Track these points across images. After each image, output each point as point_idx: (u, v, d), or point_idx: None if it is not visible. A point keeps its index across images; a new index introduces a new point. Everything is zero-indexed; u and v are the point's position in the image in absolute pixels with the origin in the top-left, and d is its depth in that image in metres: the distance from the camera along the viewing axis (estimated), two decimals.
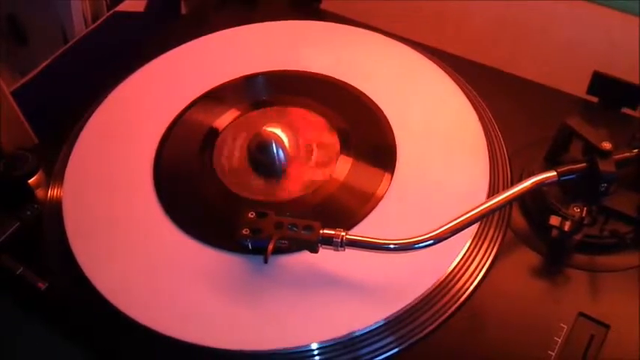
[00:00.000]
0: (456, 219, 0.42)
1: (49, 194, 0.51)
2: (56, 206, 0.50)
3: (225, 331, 0.43)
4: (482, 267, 0.45)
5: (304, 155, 0.52)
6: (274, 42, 0.61)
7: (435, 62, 0.58)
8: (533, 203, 0.48)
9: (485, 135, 0.52)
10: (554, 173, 0.45)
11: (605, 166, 0.44)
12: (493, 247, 0.46)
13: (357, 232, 0.43)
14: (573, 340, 0.42)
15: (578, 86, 0.55)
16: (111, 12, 0.66)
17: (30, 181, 0.51)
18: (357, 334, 0.42)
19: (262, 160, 0.51)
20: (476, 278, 0.45)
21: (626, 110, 0.54)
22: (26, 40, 0.69)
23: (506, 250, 0.46)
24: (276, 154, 0.51)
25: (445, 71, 0.57)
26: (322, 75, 0.58)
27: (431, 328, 0.43)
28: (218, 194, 0.50)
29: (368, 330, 0.42)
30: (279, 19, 0.63)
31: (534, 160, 0.49)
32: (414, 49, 0.59)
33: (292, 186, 0.50)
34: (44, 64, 0.59)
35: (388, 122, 0.53)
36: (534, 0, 0.66)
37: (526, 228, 0.48)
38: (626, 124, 0.53)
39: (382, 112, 0.54)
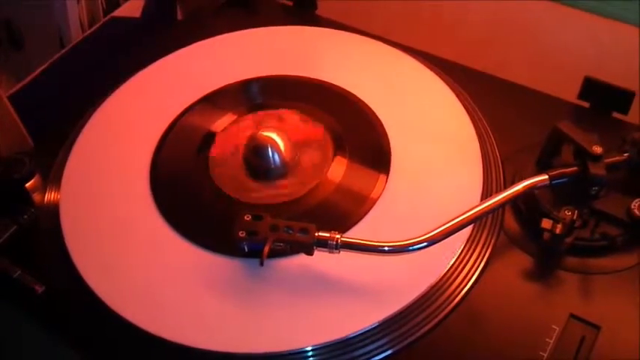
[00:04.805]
0: (449, 221, 0.43)
1: (45, 198, 0.52)
2: (53, 210, 0.50)
3: (221, 334, 0.43)
4: (476, 269, 0.46)
5: (300, 159, 0.52)
6: (270, 47, 0.62)
7: (428, 67, 0.58)
8: (526, 206, 0.48)
9: (478, 139, 0.52)
10: (546, 177, 0.45)
11: (596, 170, 0.44)
12: (486, 250, 0.47)
13: (352, 235, 0.44)
14: (565, 342, 0.42)
15: (569, 91, 0.55)
16: (107, 17, 0.66)
17: (27, 184, 0.51)
18: (352, 336, 0.42)
19: (258, 163, 0.52)
20: (469, 280, 0.45)
21: (617, 115, 0.54)
22: (23, 45, 0.69)
23: (499, 253, 0.47)
24: (271, 158, 0.51)
25: (439, 76, 0.57)
26: (317, 80, 0.58)
27: (425, 329, 0.43)
28: (214, 197, 0.50)
29: (363, 332, 0.43)
30: (275, 25, 0.64)
31: (527, 164, 0.50)
32: (408, 54, 0.60)
33: (288, 189, 0.51)
34: (41, 69, 0.60)
35: (383, 126, 0.54)
36: (527, 5, 0.67)
37: (519, 231, 0.48)
38: (616, 128, 0.53)
39: (377, 116, 0.55)
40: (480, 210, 0.44)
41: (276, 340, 0.43)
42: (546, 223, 0.45)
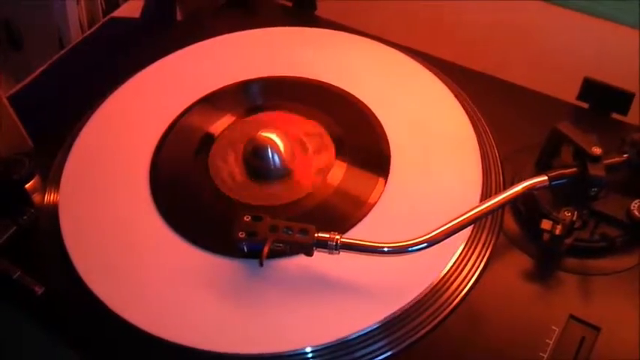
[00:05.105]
0: (449, 222, 0.43)
1: (45, 199, 0.52)
2: (53, 210, 0.50)
3: (220, 335, 0.43)
4: (476, 270, 0.46)
5: (299, 160, 0.52)
6: (269, 48, 0.62)
7: (428, 68, 0.58)
8: (525, 207, 0.48)
9: (477, 140, 0.52)
10: (546, 178, 0.45)
11: (595, 171, 0.45)
12: (486, 251, 0.47)
13: (352, 236, 0.44)
14: (564, 343, 0.42)
15: (568, 92, 0.55)
16: (107, 18, 0.66)
17: (26, 185, 0.51)
18: (351, 337, 0.43)
19: (258, 164, 0.52)
20: (469, 281, 0.45)
21: (616, 116, 0.54)
22: (22, 45, 0.69)
23: (498, 254, 0.47)
24: (271, 159, 0.51)
25: (438, 77, 0.57)
26: (317, 81, 0.58)
27: (424, 331, 0.43)
28: (214, 198, 0.50)
29: (362, 333, 0.43)
30: (274, 26, 0.64)
31: (526, 165, 0.50)
32: (407, 55, 0.60)
33: (287, 190, 0.51)
34: (40, 69, 0.60)
35: (382, 127, 0.54)
36: (527, 5, 0.67)
37: (518, 232, 0.48)
38: (615, 129, 0.53)
39: (376, 117, 0.55)
40: (479, 211, 0.44)
41: (275, 340, 0.43)
42: (546, 224, 0.45)
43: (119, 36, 0.65)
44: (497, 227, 0.48)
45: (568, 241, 0.45)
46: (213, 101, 0.58)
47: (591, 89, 0.54)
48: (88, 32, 0.65)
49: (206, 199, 0.51)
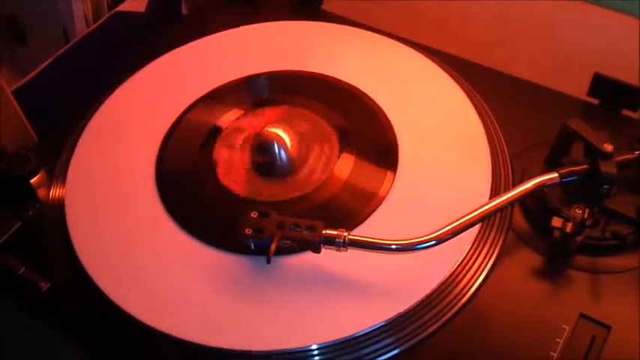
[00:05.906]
0: (457, 220, 0.42)
1: (50, 194, 0.51)
2: (58, 206, 0.50)
3: (227, 332, 0.43)
4: (484, 268, 0.45)
5: (306, 155, 0.52)
6: (276, 42, 0.61)
7: (436, 63, 0.58)
8: (535, 205, 0.48)
9: (487, 136, 0.52)
10: (556, 175, 0.45)
11: (607, 168, 0.44)
12: (495, 249, 0.46)
13: (360, 233, 0.43)
14: (575, 341, 0.42)
15: (579, 88, 0.55)
16: (112, 12, 0.66)
17: (31, 180, 0.51)
18: (358, 335, 0.42)
19: (264, 160, 0.51)
20: (478, 279, 0.45)
21: (627, 112, 0.54)
22: (25, 39, 0.69)
23: (507, 252, 0.46)
24: (278, 155, 0.51)
25: (447, 72, 0.57)
26: (324, 75, 0.58)
27: (433, 329, 0.43)
28: (220, 194, 0.50)
29: (369, 331, 0.42)
30: (281, 20, 0.63)
31: (536, 162, 0.49)
32: (415, 50, 0.59)
33: (294, 186, 0.50)
34: (45, 64, 0.60)
35: (390, 123, 0.53)
36: (535, 1, 0.66)
37: (528, 229, 0.48)
38: (626, 125, 0.53)
39: (384, 112, 0.54)
40: (489, 208, 0.43)
41: (282, 338, 0.42)
42: (557, 222, 0.44)
43: (124, 30, 0.65)
44: (506, 225, 0.48)
45: (579, 238, 0.45)
46: (219, 96, 0.57)
47: (602, 85, 0.54)
48: (93, 26, 0.64)
49: (213, 194, 0.50)
